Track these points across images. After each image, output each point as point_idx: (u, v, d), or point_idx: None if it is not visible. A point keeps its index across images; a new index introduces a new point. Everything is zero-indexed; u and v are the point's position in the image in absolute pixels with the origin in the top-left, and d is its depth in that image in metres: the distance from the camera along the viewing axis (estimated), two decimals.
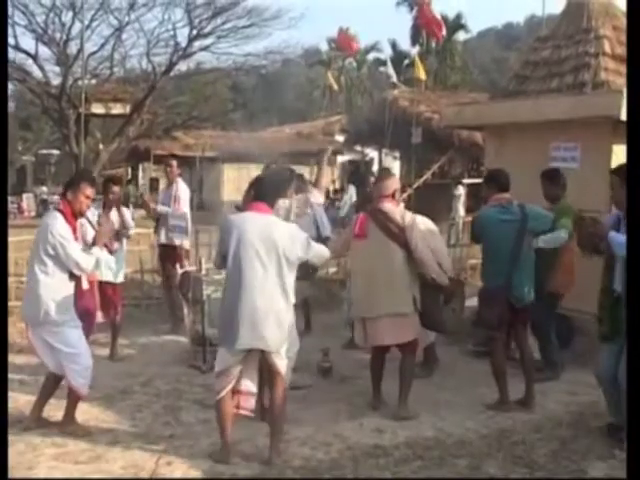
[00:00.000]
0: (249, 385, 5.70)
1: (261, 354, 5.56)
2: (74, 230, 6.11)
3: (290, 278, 5.52)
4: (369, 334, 6.70)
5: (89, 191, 6.17)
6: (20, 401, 6.75)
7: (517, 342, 7.08)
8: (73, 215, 6.11)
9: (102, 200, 8.45)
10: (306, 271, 9.37)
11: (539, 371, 7.39)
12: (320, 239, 8.35)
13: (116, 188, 8.54)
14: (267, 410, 5.81)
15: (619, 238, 5.45)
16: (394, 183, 6.74)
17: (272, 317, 5.40)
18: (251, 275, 5.39)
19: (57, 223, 5.96)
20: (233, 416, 5.61)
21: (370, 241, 6.62)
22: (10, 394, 6.95)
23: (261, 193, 5.73)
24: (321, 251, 5.92)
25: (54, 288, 5.96)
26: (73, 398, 6.12)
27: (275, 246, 5.42)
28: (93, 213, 7.55)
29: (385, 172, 7.03)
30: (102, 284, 8.19)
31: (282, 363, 5.56)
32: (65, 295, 6.02)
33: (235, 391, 5.63)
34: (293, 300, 5.59)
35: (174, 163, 10.23)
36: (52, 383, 6.30)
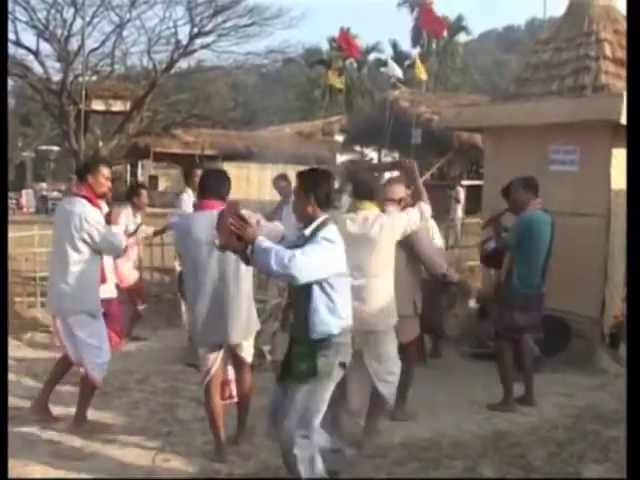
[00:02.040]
0: (232, 373, 5.91)
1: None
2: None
3: (247, 271, 5.51)
4: None
5: (107, 172, 6.22)
6: (17, 395, 6.76)
7: (520, 343, 7.12)
8: (97, 198, 6.14)
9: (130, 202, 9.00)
10: None
11: None
12: None
13: (144, 192, 9.26)
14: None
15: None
16: (402, 190, 6.66)
17: (231, 313, 5.50)
18: (206, 274, 5.44)
19: (88, 210, 5.96)
20: (224, 408, 5.75)
21: None
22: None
23: (206, 189, 5.67)
24: (274, 229, 5.74)
25: (90, 277, 6.00)
26: (87, 391, 6.10)
27: None
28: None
29: (395, 178, 7.01)
30: None
31: (248, 353, 5.76)
32: (97, 284, 6.10)
33: (224, 382, 5.80)
34: (248, 285, 5.64)
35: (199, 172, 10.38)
36: (62, 369, 6.34)
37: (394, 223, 5.83)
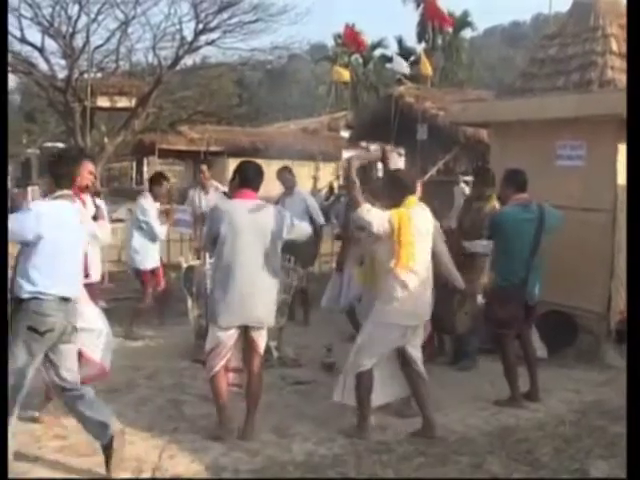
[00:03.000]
0: (236, 361, 6.12)
1: (245, 332, 5.88)
2: None
3: (276, 257, 5.95)
4: None
5: (90, 166, 6.46)
6: None
7: (522, 338, 7.11)
8: (80, 191, 6.13)
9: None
10: (307, 257, 9.54)
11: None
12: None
13: (166, 182, 9.70)
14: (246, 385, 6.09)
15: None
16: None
17: (261, 295, 5.82)
18: (241, 257, 5.76)
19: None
20: (228, 392, 5.95)
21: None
22: None
23: (245, 180, 5.98)
24: (303, 229, 6.23)
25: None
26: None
27: (262, 229, 5.81)
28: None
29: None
30: None
31: (262, 341, 5.98)
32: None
33: (226, 368, 5.99)
34: (277, 270, 5.98)
35: (203, 168, 10.62)
36: None
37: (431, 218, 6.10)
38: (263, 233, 5.80)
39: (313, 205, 10.09)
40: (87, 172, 6.28)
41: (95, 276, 7.52)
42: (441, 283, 6.59)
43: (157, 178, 9.81)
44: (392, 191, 6.11)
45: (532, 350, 7.15)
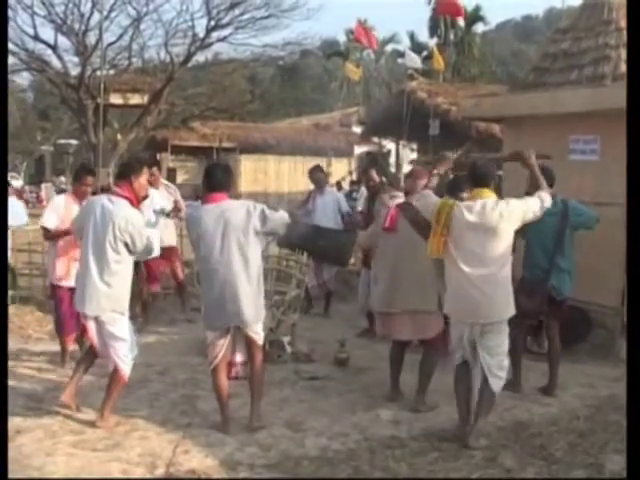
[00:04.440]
0: (242, 355, 6.25)
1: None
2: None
3: (254, 252, 5.93)
4: (391, 328, 6.71)
5: (148, 175, 6.48)
6: (39, 388, 6.83)
7: (548, 333, 7.23)
8: (137, 201, 6.19)
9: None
10: (340, 257, 9.65)
11: None
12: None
13: (155, 169, 9.40)
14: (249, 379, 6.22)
15: None
16: (426, 180, 6.71)
17: (243, 295, 5.85)
18: (219, 260, 5.84)
19: (132, 212, 6.03)
20: (228, 386, 6.08)
21: (400, 235, 6.61)
22: (28, 380, 7.06)
23: (212, 184, 6.04)
24: (279, 218, 6.08)
25: (126, 276, 6.10)
26: (117, 387, 6.11)
27: (235, 228, 5.84)
28: None
29: (421, 170, 7.02)
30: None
31: (258, 335, 6.07)
32: (129, 284, 6.20)
33: (230, 363, 6.25)
34: (258, 272, 5.98)
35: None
36: (88, 362, 6.41)
37: (513, 210, 5.78)
38: (237, 232, 5.84)
39: (345, 205, 10.22)
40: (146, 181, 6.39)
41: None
42: None
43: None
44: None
45: (557, 346, 7.15)
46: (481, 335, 5.78)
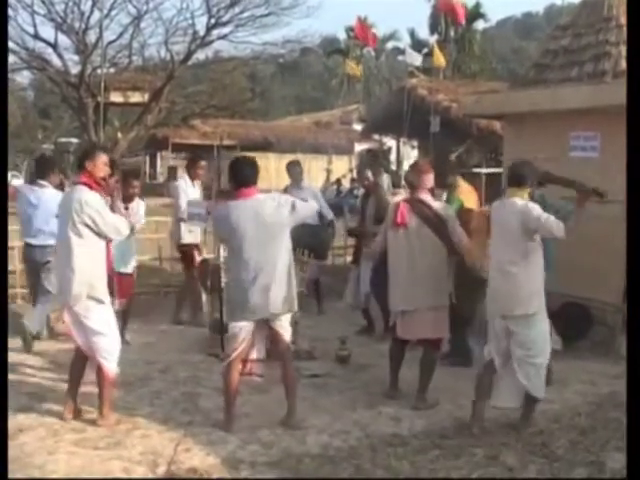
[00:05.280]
0: (258, 353, 6.21)
1: (267, 324, 6.04)
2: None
3: (285, 242, 6.02)
4: (405, 326, 6.70)
5: (106, 158, 6.26)
6: (42, 385, 6.83)
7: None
8: (97, 184, 6.14)
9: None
10: (320, 250, 9.67)
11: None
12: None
13: (136, 182, 8.76)
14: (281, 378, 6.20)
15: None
16: (431, 175, 6.78)
17: (275, 287, 5.90)
18: (251, 254, 5.86)
19: (88, 194, 5.98)
20: (238, 385, 6.07)
21: (410, 231, 6.60)
22: (30, 379, 7.06)
23: (241, 178, 6.06)
24: (308, 209, 6.29)
25: (95, 259, 6.00)
26: (104, 383, 6.05)
27: (266, 222, 5.88)
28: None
29: (426, 164, 7.03)
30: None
31: (285, 330, 6.08)
32: (102, 268, 6.10)
33: (246, 360, 6.12)
34: (290, 262, 6.06)
35: (202, 164, 10.30)
36: (79, 363, 6.24)
37: (532, 212, 5.88)
38: (268, 226, 5.88)
39: (322, 201, 10.23)
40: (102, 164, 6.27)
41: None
42: (462, 276, 6.64)
43: (194, 161, 9.95)
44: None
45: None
46: (516, 330, 5.91)
